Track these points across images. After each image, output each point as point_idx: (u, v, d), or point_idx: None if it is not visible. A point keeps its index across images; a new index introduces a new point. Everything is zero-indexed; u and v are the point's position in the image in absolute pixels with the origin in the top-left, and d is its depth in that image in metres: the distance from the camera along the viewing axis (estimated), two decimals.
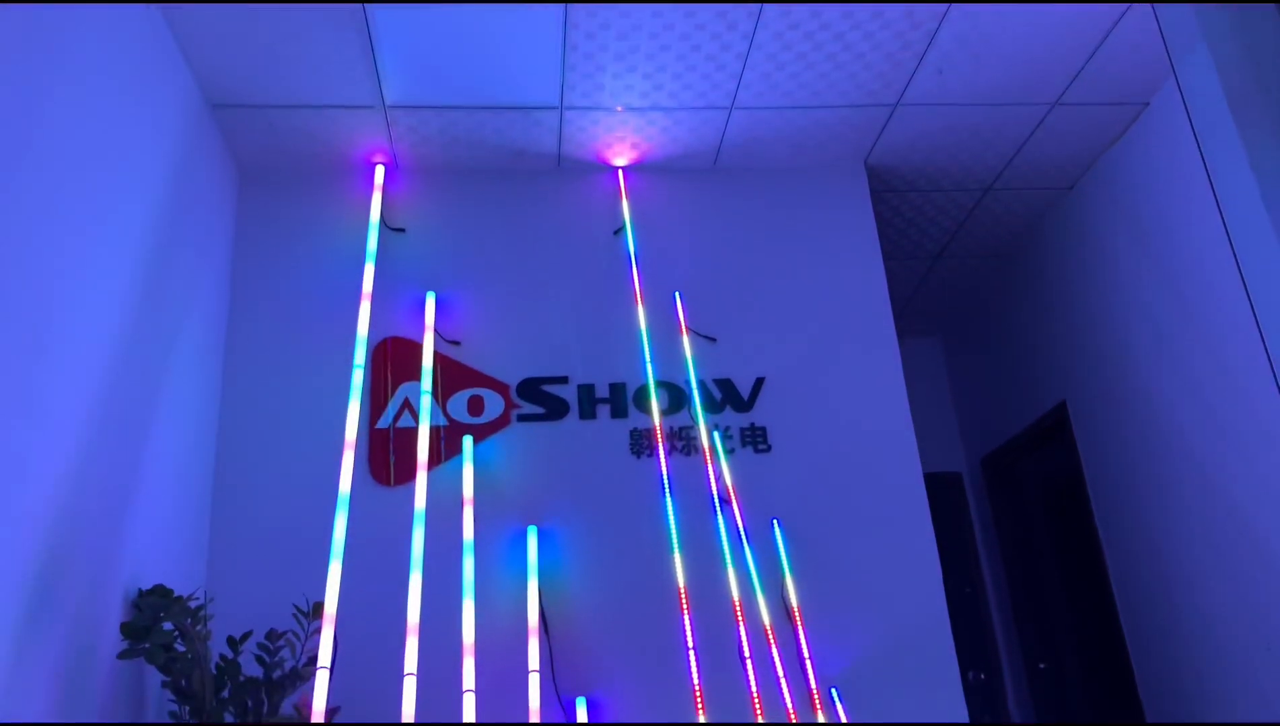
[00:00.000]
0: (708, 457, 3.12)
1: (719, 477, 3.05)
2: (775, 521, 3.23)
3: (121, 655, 2.13)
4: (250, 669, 2.54)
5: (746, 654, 2.59)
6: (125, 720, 2.37)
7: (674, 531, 2.78)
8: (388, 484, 3.17)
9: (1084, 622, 4.33)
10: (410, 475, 3.13)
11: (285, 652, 2.56)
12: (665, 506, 2.87)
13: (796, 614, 3.06)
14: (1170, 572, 3.59)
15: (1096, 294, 3.95)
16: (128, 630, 2.17)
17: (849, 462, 3.39)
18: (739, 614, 2.71)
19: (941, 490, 4.91)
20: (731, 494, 3.14)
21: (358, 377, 2.73)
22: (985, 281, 4.76)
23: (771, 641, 2.84)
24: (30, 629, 1.91)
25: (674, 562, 2.72)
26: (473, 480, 3.06)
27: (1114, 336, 3.85)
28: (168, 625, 2.22)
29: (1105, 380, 3.93)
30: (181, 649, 2.37)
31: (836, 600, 3.20)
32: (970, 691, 4.19)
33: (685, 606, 2.62)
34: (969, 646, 4.73)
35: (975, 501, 5.09)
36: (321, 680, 2.29)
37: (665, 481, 2.91)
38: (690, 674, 2.51)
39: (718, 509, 2.91)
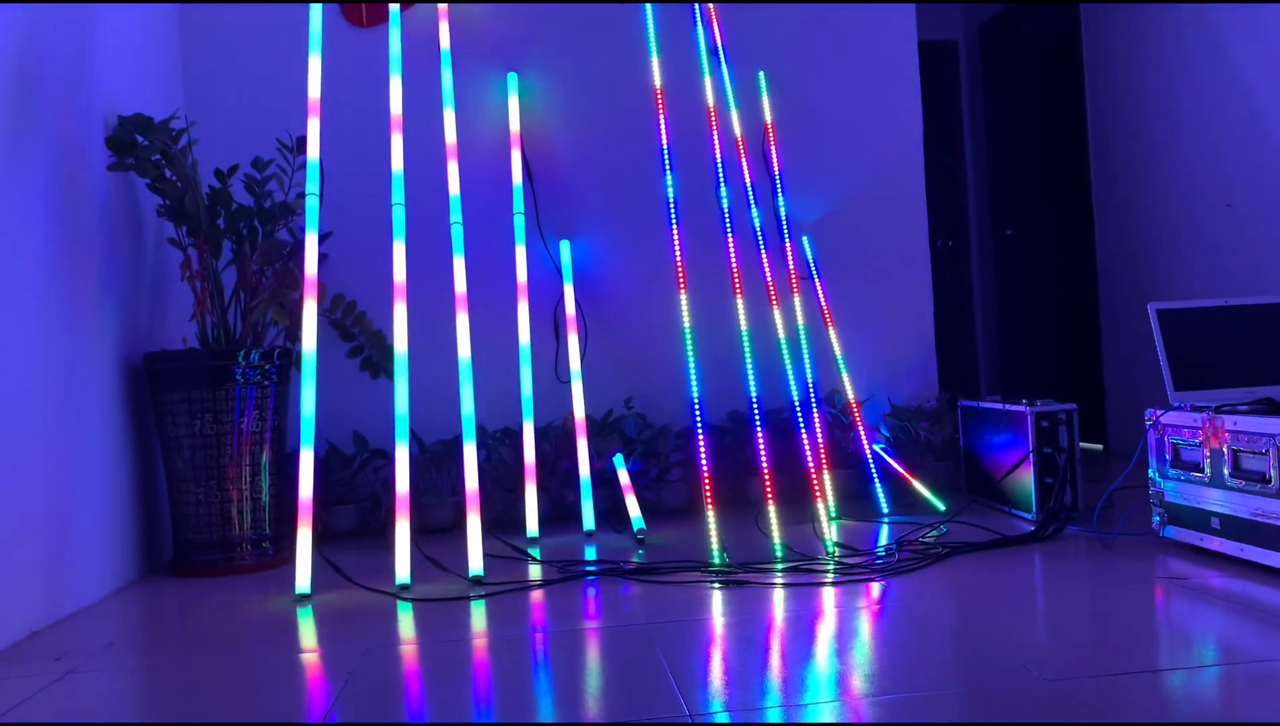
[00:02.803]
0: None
1: (708, 23, 2.93)
2: (761, 73, 3.17)
3: (111, 167, 2.17)
4: (241, 199, 2.61)
5: (720, 174, 2.66)
6: (124, 243, 2.46)
7: (657, 81, 2.73)
8: (360, 24, 3.05)
9: (1057, 192, 4.43)
10: (382, 16, 3.01)
11: (273, 185, 2.61)
12: (650, 55, 2.79)
13: (774, 146, 3.10)
14: (1150, 140, 3.61)
15: None
16: (113, 143, 2.18)
17: (842, 23, 3.27)
18: (715, 127, 2.73)
19: (934, 58, 4.78)
20: (719, 43, 3.04)
21: None
22: None
23: (750, 191, 2.90)
24: (11, 149, 1.92)
25: (659, 120, 2.70)
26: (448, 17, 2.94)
27: None
28: (147, 143, 2.23)
29: None
30: (171, 176, 2.41)
31: (816, 153, 3.24)
32: (936, 258, 4.39)
33: (669, 165, 2.64)
34: (941, 215, 4.88)
35: (968, 71, 4.98)
36: (310, 240, 2.34)
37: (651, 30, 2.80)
38: (672, 238, 2.60)
39: (704, 63, 2.83)
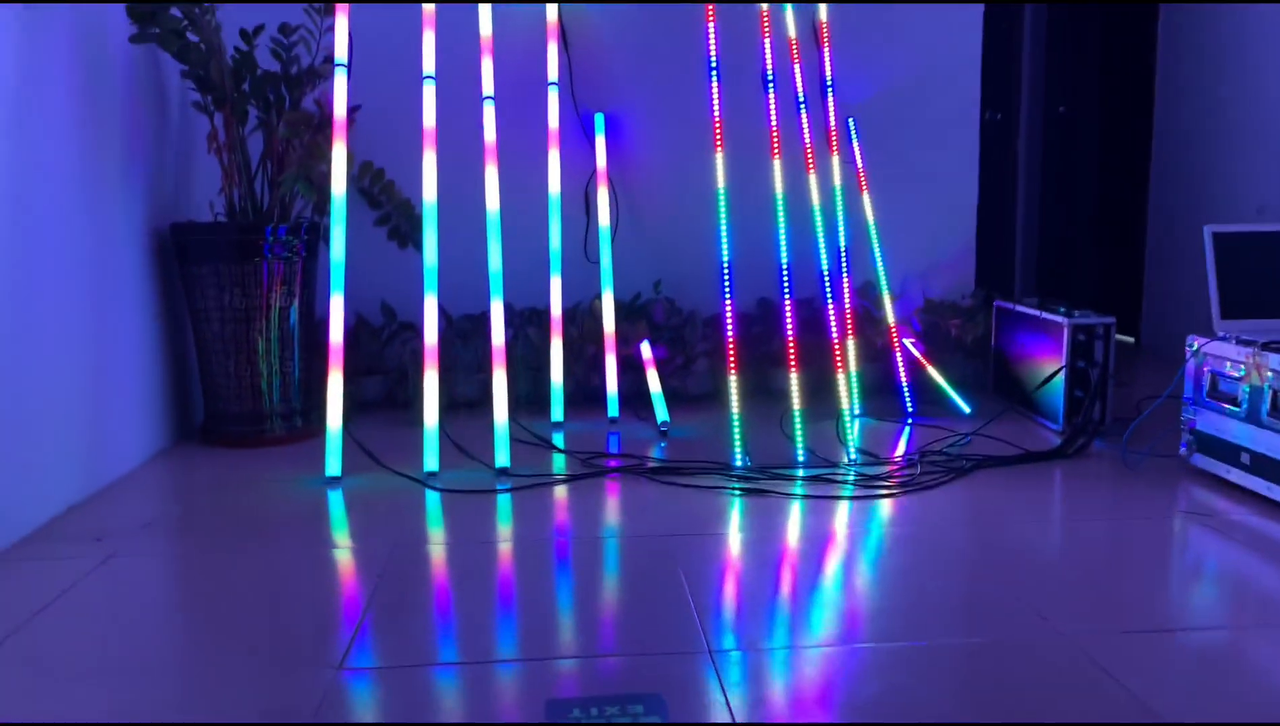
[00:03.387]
0: None
1: None
2: None
3: (133, 39, 2.08)
4: (266, 64, 2.51)
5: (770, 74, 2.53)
6: (149, 109, 2.39)
7: None
8: None
9: (1118, 74, 4.20)
10: None
11: (300, 49, 2.51)
12: None
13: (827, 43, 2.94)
14: (1225, 45, 3.38)
15: None
16: (134, 12, 2.08)
17: None
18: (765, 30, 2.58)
19: None
20: None
21: None
22: None
23: (796, 57, 2.75)
24: (31, 14, 1.84)
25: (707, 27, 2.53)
26: None
27: None
28: (175, 12, 2.13)
29: None
30: (195, 39, 2.31)
31: (868, 39, 3.07)
32: (983, 130, 4.20)
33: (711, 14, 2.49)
34: (989, 84, 4.65)
35: None
36: (340, 77, 2.27)
37: None
38: (710, 100, 2.47)
39: None
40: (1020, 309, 2.70)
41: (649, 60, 3.01)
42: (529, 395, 2.84)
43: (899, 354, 2.84)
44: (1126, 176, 4.07)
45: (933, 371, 2.86)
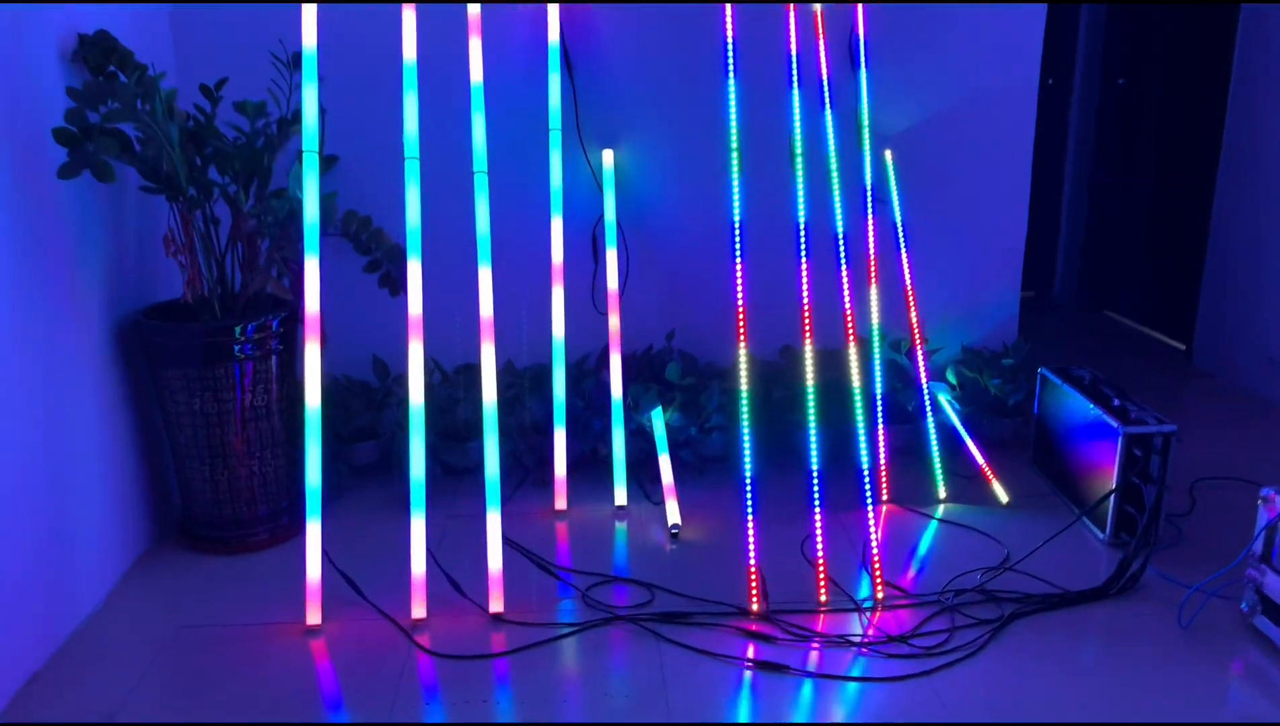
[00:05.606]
0: None
1: None
2: None
3: (62, 173, 1.80)
4: (231, 117, 2.25)
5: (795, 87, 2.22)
6: (96, 191, 2.12)
7: None
8: None
9: (1187, 47, 3.78)
10: None
11: (270, 107, 2.23)
12: None
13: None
14: None
15: None
16: (61, 136, 1.80)
17: None
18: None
19: None
20: None
21: None
22: None
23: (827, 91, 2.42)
24: None
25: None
26: None
27: None
28: (126, 127, 1.85)
29: None
30: (139, 135, 2.01)
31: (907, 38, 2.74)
32: None
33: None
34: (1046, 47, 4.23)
35: None
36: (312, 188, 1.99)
37: None
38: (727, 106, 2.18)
39: None
40: (1068, 388, 2.45)
41: (663, 86, 2.69)
42: (534, 463, 2.66)
43: (931, 424, 2.61)
44: (1190, 163, 3.71)
45: (971, 446, 2.63)
